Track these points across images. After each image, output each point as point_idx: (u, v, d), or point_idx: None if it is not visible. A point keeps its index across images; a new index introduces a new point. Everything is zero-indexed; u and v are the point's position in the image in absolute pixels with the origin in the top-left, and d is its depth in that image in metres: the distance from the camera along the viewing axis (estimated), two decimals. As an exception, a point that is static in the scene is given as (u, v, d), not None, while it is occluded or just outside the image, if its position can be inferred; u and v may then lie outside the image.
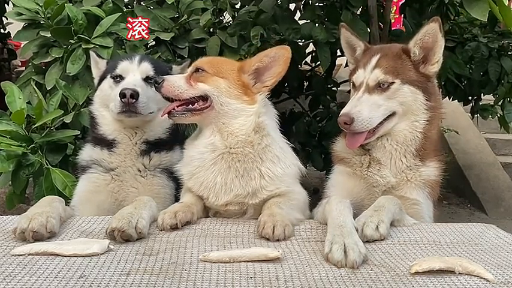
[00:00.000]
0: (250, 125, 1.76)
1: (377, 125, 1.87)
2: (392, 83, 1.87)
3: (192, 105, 1.77)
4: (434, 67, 1.91)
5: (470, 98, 3.86)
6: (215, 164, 1.75)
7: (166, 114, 1.81)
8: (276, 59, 1.80)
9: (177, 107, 1.78)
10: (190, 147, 1.83)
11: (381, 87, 1.87)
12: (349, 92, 3.47)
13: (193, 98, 1.77)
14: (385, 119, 1.88)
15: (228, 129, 1.75)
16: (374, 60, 1.92)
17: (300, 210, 1.83)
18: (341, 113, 1.86)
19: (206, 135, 1.78)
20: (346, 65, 3.52)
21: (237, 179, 1.74)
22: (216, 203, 1.76)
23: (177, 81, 1.78)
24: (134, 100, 1.86)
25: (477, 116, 4.19)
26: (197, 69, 1.80)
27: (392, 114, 1.89)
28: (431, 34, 1.86)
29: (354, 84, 1.98)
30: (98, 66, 2.12)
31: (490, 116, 4.05)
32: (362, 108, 1.85)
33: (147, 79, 1.98)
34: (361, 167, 1.93)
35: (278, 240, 1.55)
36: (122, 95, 1.85)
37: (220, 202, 1.75)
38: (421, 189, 1.90)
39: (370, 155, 1.92)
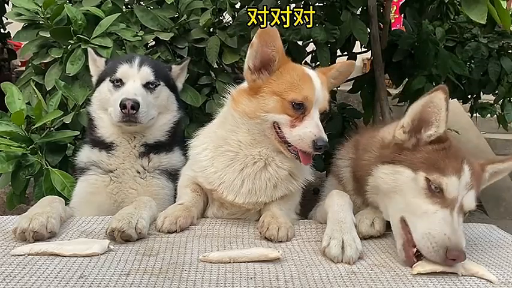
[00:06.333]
0: None
1: None
2: None
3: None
4: None
5: (469, 96, 3.87)
6: (255, 172, 1.68)
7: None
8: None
9: None
10: (230, 146, 1.70)
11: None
12: (349, 91, 3.50)
13: None
14: None
15: None
16: (467, 174, 1.48)
17: (295, 210, 1.84)
18: (453, 246, 1.35)
19: (269, 149, 1.68)
20: (346, 65, 3.54)
21: (270, 187, 1.69)
22: (233, 201, 1.70)
23: None
24: (135, 111, 1.83)
25: (476, 116, 4.21)
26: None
27: None
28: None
29: (436, 190, 1.45)
30: (96, 64, 2.09)
31: (489, 115, 4.07)
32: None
33: (147, 85, 1.96)
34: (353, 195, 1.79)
35: (281, 241, 1.55)
36: (123, 106, 1.82)
37: (239, 201, 1.69)
38: None
39: (366, 200, 1.73)
